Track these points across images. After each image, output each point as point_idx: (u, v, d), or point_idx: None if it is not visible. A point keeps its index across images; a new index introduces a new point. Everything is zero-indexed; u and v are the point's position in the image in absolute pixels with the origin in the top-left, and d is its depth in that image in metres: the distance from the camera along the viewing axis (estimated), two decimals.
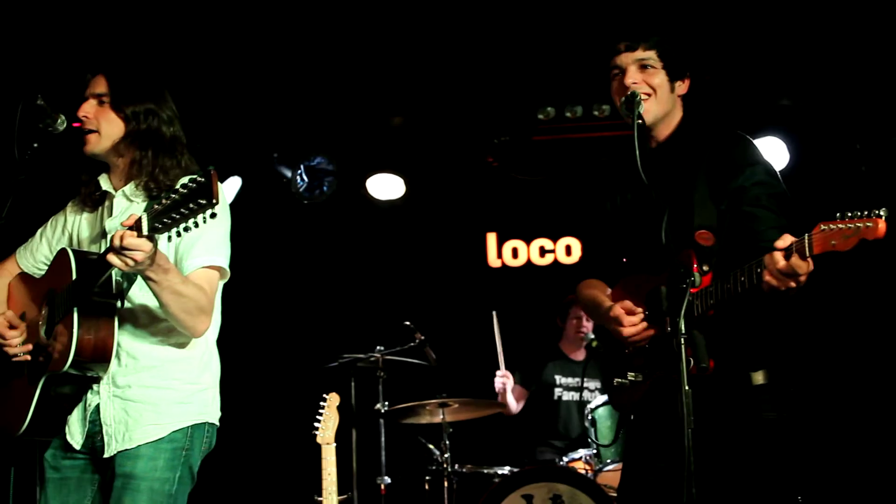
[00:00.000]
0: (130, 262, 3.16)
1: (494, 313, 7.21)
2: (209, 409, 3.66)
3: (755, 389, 3.51)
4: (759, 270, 3.16)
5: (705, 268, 3.37)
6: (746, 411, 3.49)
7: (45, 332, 3.56)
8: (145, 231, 3.09)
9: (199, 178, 3.00)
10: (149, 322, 3.56)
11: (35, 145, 3.47)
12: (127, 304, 3.52)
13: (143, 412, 3.50)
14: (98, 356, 3.42)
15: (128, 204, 3.65)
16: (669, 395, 3.47)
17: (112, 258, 3.16)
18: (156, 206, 3.07)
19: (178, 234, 3.08)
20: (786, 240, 3.09)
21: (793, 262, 3.06)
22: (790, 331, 3.69)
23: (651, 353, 3.58)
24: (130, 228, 3.12)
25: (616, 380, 3.77)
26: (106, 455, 3.48)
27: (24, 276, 3.84)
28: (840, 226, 2.95)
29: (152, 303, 3.53)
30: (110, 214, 3.68)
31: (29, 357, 3.59)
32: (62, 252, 3.60)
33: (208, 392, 3.67)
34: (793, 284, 3.11)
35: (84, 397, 3.55)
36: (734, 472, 3.45)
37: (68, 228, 3.82)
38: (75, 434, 3.55)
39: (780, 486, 3.46)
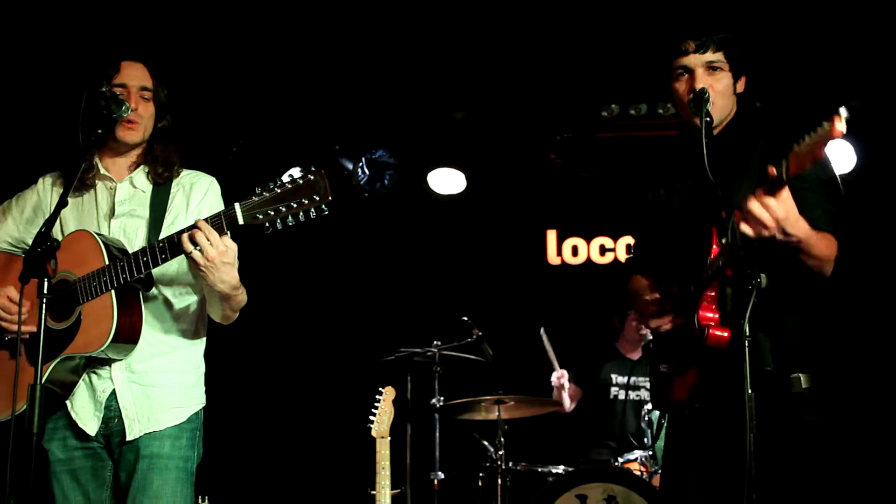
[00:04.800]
0: (216, 259, 3.23)
1: (543, 330, 7.16)
2: (204, 393, 3.79)
3: (797, 392, 3.44)
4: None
5: (724, 241, 3.31)
6: (786, 413, 3.42)
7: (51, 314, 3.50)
8: (240, 221, 3.15)
9: (308, 176, 3.10)
10: (164, 309, 3.63)
11: (99, 131, 3.49)
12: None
13: (167, 396, 3.60)
14: (128, 339, 3.47)
15: (133, 191, 3.69)
16: (708, 396, 3.47)
17: (198, 255, 3.21)
18: (254, 198, 3.12)
19: (279, 228, 3.12)
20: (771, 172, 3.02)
21: (764, 201, 3.01)
22: (836, 334, 3.60)
23: (681, 344, 3.53)
24: (206, 223, 3.16)
25: (651, 380, 3.81)
26: (129, 438, 3.52)
27: (6, 255, 3.78)
28: (807, 140, 2.91)
29: (165, 290, 3.62)
30: (113, 198, 3.69)
31: (27, 337, 3.51)
32: (81, 234, 3.56)
33: (203, 377, 3.80)
34: (765, 233, 3.06)
35: (89, 383, 3.57)
36: (774, 474, 3.38)
37: (42, 208, 3.78)
38: (88, 422, 3.56)
39: (822, 489, 3.39)
